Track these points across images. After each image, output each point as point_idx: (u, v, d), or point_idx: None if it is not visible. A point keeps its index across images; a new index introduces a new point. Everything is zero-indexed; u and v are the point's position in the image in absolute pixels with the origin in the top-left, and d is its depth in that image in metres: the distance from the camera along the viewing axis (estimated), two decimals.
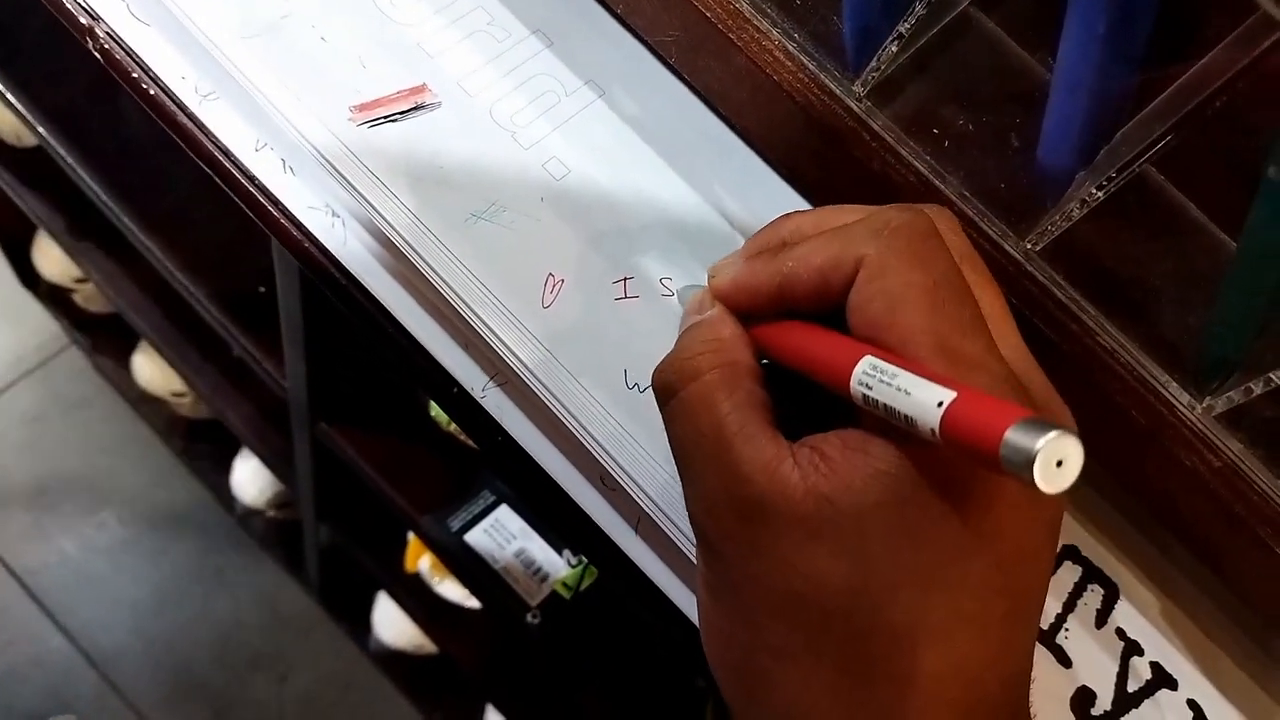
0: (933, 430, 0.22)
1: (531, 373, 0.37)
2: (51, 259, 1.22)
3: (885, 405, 0.23)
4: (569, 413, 0.37)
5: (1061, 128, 0.30)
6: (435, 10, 0.43)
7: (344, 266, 0.42)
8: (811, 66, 0.33)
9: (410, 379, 0.42)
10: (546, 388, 0.37)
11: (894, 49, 0.31)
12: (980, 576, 0.25)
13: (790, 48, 0.33)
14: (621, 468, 0.37)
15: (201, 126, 0.43)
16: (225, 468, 1.24)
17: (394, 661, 1.18)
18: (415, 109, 0.40)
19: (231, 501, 1.29)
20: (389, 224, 0.38)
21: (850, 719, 0.25)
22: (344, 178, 0.38)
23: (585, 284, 0.39)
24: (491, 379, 0.41)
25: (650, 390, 0.39)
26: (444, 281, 0.38)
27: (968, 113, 0.33)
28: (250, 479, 1.20)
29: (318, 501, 0.85)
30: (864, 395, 0.24)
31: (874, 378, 0.24)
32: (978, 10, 0.34)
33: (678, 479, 0.37)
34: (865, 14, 0.32)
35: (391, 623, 1.10)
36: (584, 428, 0.37)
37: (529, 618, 0.66)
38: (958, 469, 0.24)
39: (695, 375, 0.28)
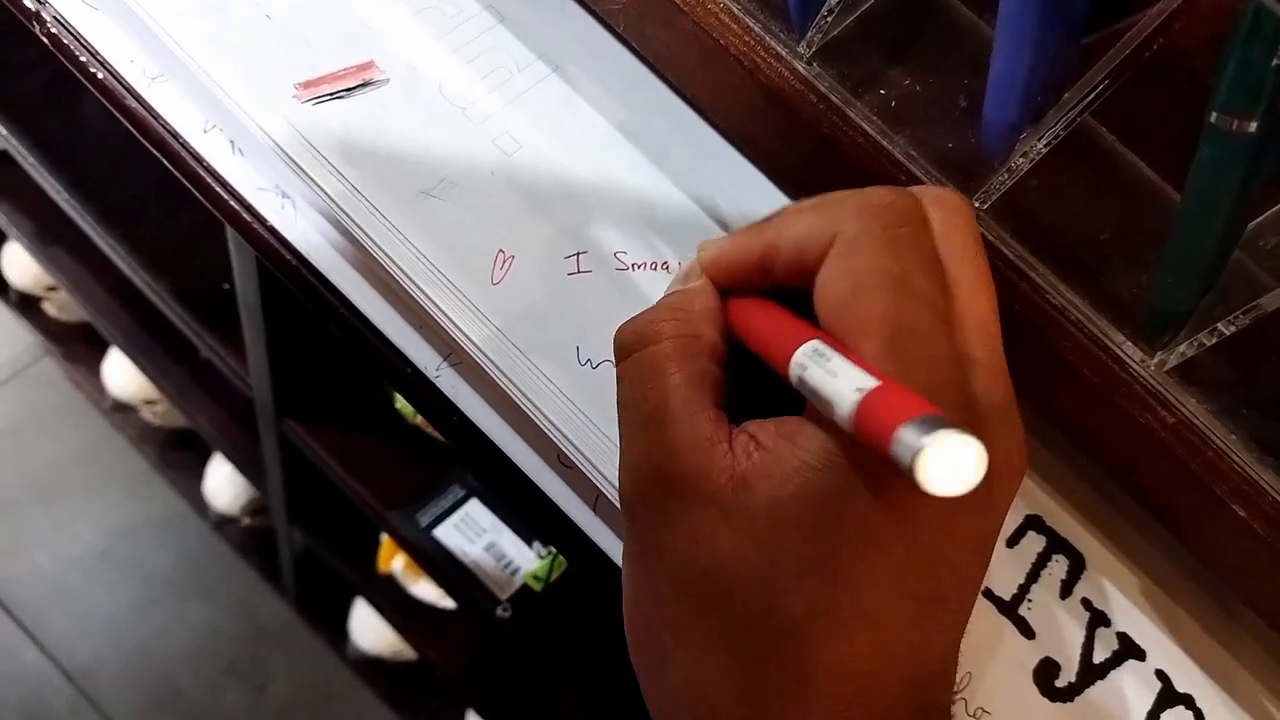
0: (847, 418, 0.21)
1: (482, 351, 0.37)
2: (21, 267, 1.20)
3: (813, 388, 0.23)
4: (520, 391, 0.37)
5: (1004, 85, 0.30)
6: None
7: (294, 248, 0.41)
8: (757, 29, 0.33)
9: (365, 361, 0.41)
10: (497, 366, 0.37)
11: (836, 8, 0.31)
12: (888, 578, 0.24)
13: (735, 10, 0.33)
14: (575, 446, 0.36)
15: (150, 109, 0.42)
16: (199, 476, 1.23)
17: (373, 669, 1.17)
18: (362, 85, 0.40)
19: (206, 510, 1.28)
20: (335, 203, 0.37)
21: (742, 703, 0.25)
22: (289, 157, 0.38)
23: (537, 260, 0.38)
24: (445, 359, 0.41)
25: (603, 366, 0.38)
26: (392, 260, 0.37)
27: (915, 73, 0.33)
28: (224, 486, 1.19)
29: (289, 504, 0.84)
30: (799, 378, 0.23)
31: (812, 360, 0.23)
32: None
33: None
34: None
35: (369, 629, 1.08)
36: (536, 406, 0.36)
37: (499, 611, 0.65)
38: (883, 468, 0.23)
39: (654, 339, 0.28)
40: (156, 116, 0.42)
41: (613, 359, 0.38)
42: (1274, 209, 0.31)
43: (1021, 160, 0.30)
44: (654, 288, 0.39)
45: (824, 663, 0.24)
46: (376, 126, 0.39)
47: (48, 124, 0.72)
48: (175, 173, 0.43)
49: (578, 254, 0.39)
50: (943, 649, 0.26)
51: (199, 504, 1.29)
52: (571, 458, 0.37)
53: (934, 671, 0.26)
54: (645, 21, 0.35)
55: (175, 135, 0.42)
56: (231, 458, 0.93)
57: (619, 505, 0.29)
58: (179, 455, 1.28)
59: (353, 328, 0.41)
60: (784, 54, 0.33)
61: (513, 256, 0.38)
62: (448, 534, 0.66)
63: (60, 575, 1.36)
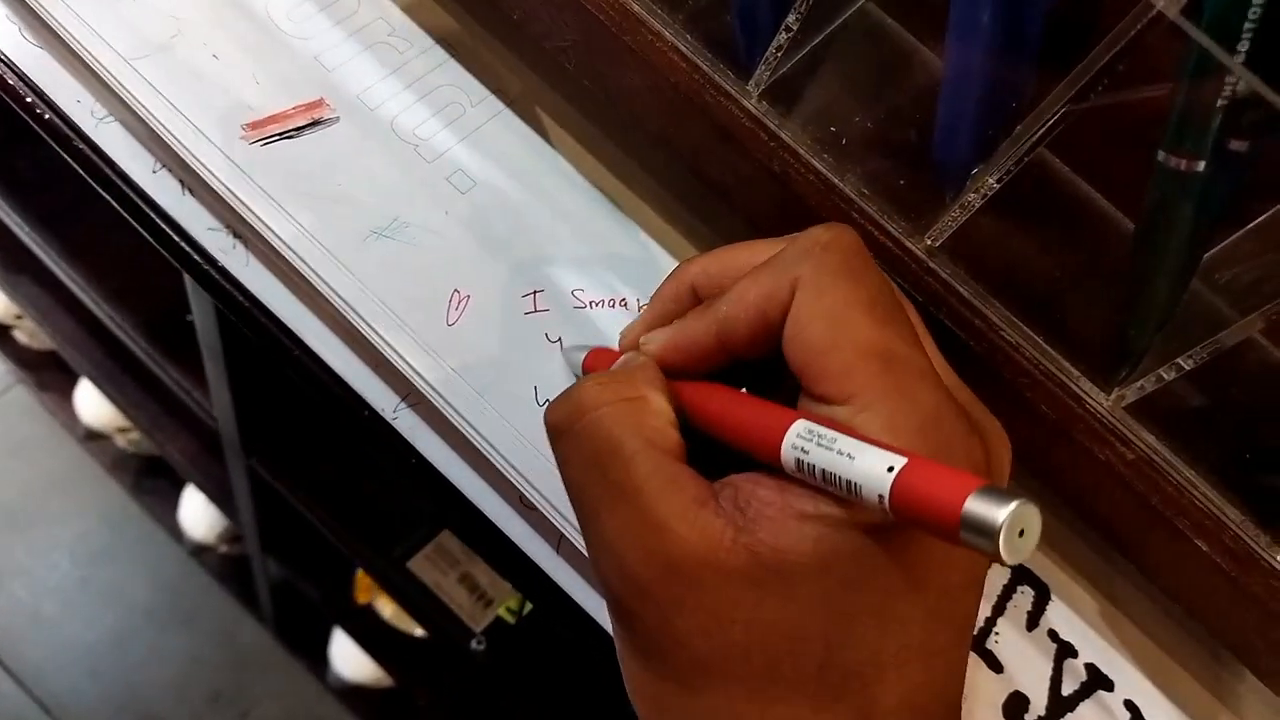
0: (881, 498, 0.21)
1: (439, 394, 0.36)
2: None
3: (823, 471, 0.22)
4: (479, 434, 0.36)
5: (953, 122, 0.30)
6: (334, 22, 0.42)
7: (246, 289, 0.40)
8: (705, 68, 0.32)
9: (321, 403, 0.40)
10: (455, 409, 0.36)
11: (784, 45, 0.31)
12: (928, 609, 0.24)
13: (684, 49, 0.32)
14: (536, 489, 0.36)
15: (98, 150, 0.42)
16: (174, 503, 1.22)
17: (354, 696, 1.16)
18: (312, 125, 0.39)
19: (183, 537, 1.27)
20: (286, 245, 0.37)
21: None
22: (238, 199, 0.37)
23: (493, 299, 0.38)
24: (403, 400, 0.40)
25: None
26: (345, 302, 0.37)
27: (865, 109, 0.33)
28: (199, 515, 1.18)
29: (262, 535, 0.83)
30: (798, 460, 0.23)
31: (810, 441, 0.22)
32: (871, 3, 0.33)
33: None
34: (753, 11, 0.31)
35: (349, 657, 1.07)
36: (495, 449, 0.36)
37: (474, 644, 0.64)
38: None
39: (594, 406, 0.25)
40: (105, 158, 0.42)
41: None
42: (1229, 240, 0.31)
43: (974, 196, 0.29)
44: (612, 325, 0.39)
45: (884, 703, 0.24)
46: (327, 166, 0.38)
47: (6, 158, 0.71)
48: (124, 215, 0.42)
49: (534, 292, 0.39)
50: (965, 667, 0.26)
51: (176, 531, 1.28)
52: (533, 500, 0.36)
53: (960, 692, 0.26)
54: (594, 60, 0.35)
55: (125, 177, 0.41)
56: (203, 488, 0.92)
57: (606, 601, 0.26)
58: (154, 483, 1.27)
59: (308, 370, 0.41)
60: (733, 92, 0.32)
61: (468, 296, 0.38)
62: (421, 566, 0.65)
63: (36, 605, 1.35)
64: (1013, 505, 0.19)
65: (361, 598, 0.86)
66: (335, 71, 0.40)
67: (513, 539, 0.39)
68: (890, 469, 0.21)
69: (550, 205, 0.40)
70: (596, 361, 0.33)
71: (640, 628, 0.25)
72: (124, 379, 0.89)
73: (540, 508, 0.36)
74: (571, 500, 0.26)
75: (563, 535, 0.37)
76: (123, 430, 1.19)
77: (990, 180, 0.29)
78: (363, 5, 0.42)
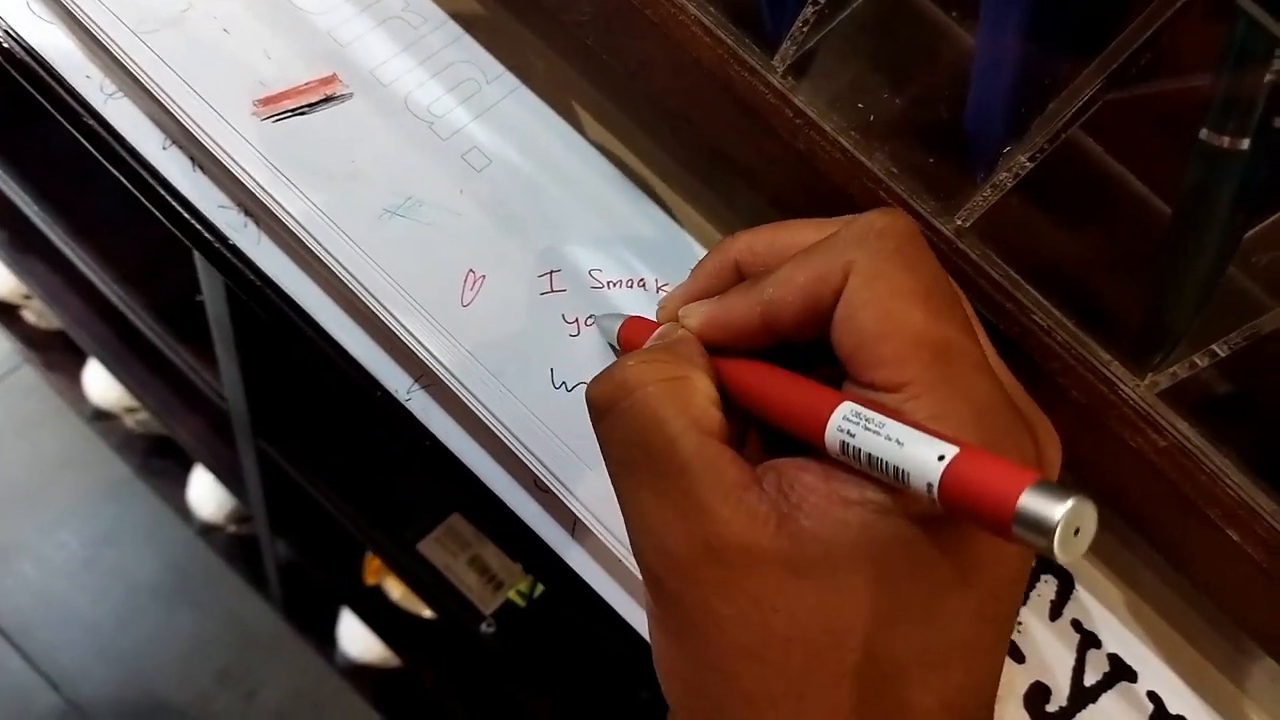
0: (929, 486, 0.20)
1: (453, 375, 0.35)
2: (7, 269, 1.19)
3: (869, 455, 0.22)
4: (494, 417, 0.35)
5: (986, 99, 0.29)
6: None
7: (258, 267, 0.40)
8: (730, 41, 0.32)
9: (333, 384, 0.40)
10: (469, 391, 0.35)
11: (811, 19, 0.30)
12: (975, 605, 0.23)
13: (707, 22, 0.32)
14: (551, 472, 0.35)
15: (107, 126, 0.41)
16: (183, 483, 1.22)
17: (362, 676, 1.16)
18: (325, 100, 0.38)
19: (191, 517, 1.27)
20: (298, 223, 0.36)
21: None
22: (250, 175, 0.36)
23: (508, 279, 0.37)
24: (416, 381, 0.39)
25: (579, 389, 0.37)
26: (358, 282, 0.36)
27: (893, 85, 0.32)
28: (208, 495, 1.18)
29: (271, 516, 0.83)
30: (843, 443, 0.22)
31: (856, 424, 0.22)
32: None
33: (607, 479, 0.36)
34: None
35: (356, 637, 1.07)
36: (511, 432, 0.35)
37: (484, 627, 0.64)
38: (931, 507, 0.22)
39: (638, 385, 0.25)
40: (114, 134, 0.41)
41: (586, 382, 0.37)
42: (1267, 221, 0.30)
43: (1005, 176, 0.29)
44: (631, 305, 0.38)
45: (923, 703, 0.23)
46: (340, 144, 0.38)
47: (15, 137, 0.70)
48: (134, 191, 0.41)
49: (550, 272, 0.38)
50: (999, 674, 0.26)
51: (183, 511, 1.28)
52: (548, 483, 0.36)
53: (995, 691, 0.25)
54: (614, 34, 0.34)
55: (134, 153, 0.41)
56: (212, 468, 0.92)
57: (644, 579, 0.26)
58: (162, 463, 1.27)
59: (320, 350, 0.40)
60: (758, 67, 0.31)
61: (483, 276, 0.37)
62: (431, 549, 0.65)
63: (44, 584, 1.35)
64: (1070, 502, 0.18)
65: (371, 579, 0.86)
66: (348, 47, 0.39)
67: (527, 522, 0.38)
68: (941, 458, 0.20)
69: (567, 183, 0.39)
70: (632, 332, 0.32)
71: (678, 609, 0.24)
72: (132, 360, 0.89)
73: (555, 491, 0.35)
74: (612, 478, 0.26)
75: (577, 519, 0.36)
76: (130, 410, 1.19)
77: (1023, 159, 0.28)
78: None
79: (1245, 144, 0.24)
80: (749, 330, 0.26)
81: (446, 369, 0.36)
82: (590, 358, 0.37)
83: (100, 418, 1.27)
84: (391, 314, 0.36)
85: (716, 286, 0.28)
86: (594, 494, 0.35)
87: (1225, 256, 0.27)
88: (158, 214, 0.41)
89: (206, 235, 0.40)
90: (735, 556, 0.23)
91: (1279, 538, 0.30)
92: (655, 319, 0.32)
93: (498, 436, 0.36)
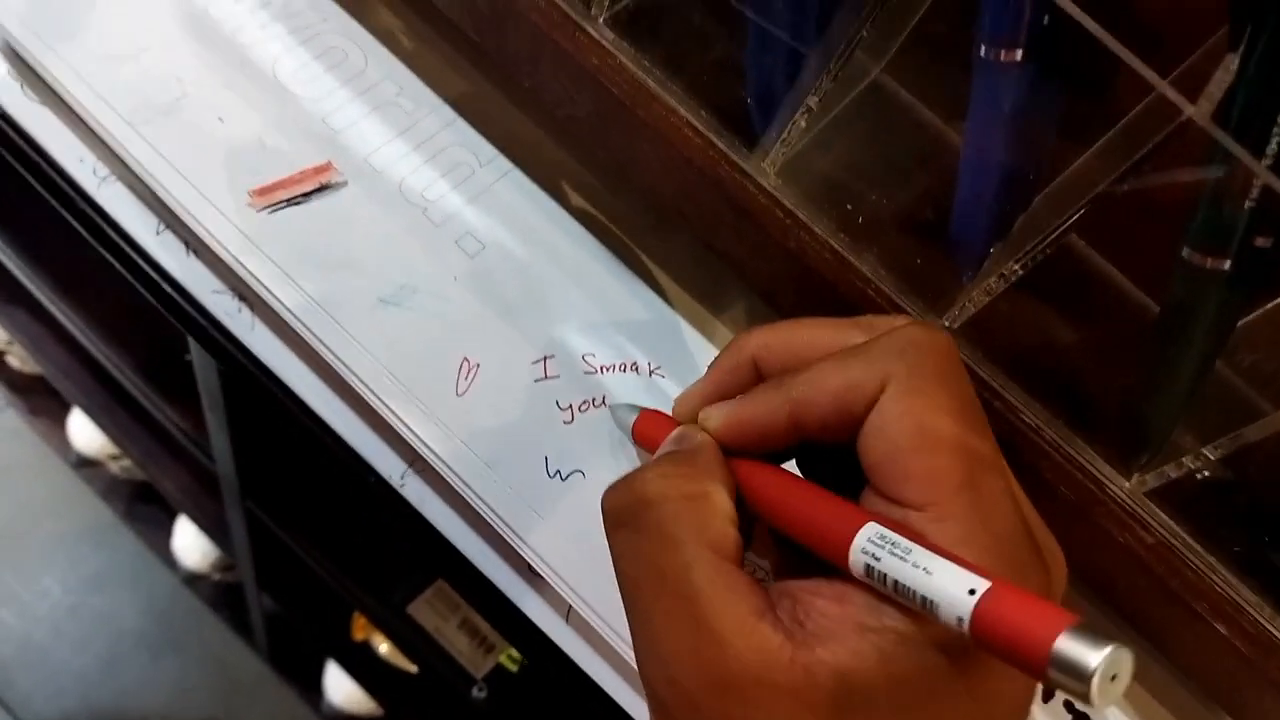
0: (959, 619, 0.20)
1: (448, 466, 0.36)
2: None
3: (896, 582, 0.21)
4: (489, 507, 0.36)
5: (971, 201, 0.30)
6: (341, 82, 0.41)
7: (251, 353, 0.40)
8: (720, 144, 0.32)
9: (326, 467, 0.40)
10: (464, 482, 0.36)
11: (802, 124, 0.31)
12: None
13: (698, 125, 0.32)
14: (545, 562, 0.35)
15: (100, 210, 0.41)
16: (168, 529, 1.21)
17: None
18: (319, 190, 0.38)
19: (176, 564, 1.26)
20: (293, 314, 0.36)
21: None
22: (245, 266, 0.37)
23: (502, 367, 0.38)
24: (410, 466, 0.39)
25: (573, 478, 0.37)
26: (353, 374, 0.36)
27: (881, 186, 0.32)
28: (192, 544, 1.17)
29: (257, 571, 0.82)
30: (868, 566, 0.22)
31: (882, 548, 0.22)
32: (888, 78, 0.33)
33: (604, 570, 0.36)
34: (769, 87, 0.31)
35: (343, 688, 1.06)
36: (505, 523, 0.35)
37: (475, 691, 0.64)
38: (948, 634, 0.22)
39: (656, 502, 0.25)
40: (107, 218, 0.41)
41: (582, 470, 0.38)
42: (1253, 316, 0.31)
43: (995, 280, 0.29)
44: (625, 390, 0.38)
45: None
46: (334, 233, 0.38)
47: (1, 195, 0.70)
48: (127, 276, 0.41)
49: (544, 358, 0.38)
50: None
51: (168, 557, 1.27)
52: (542, 572, 0.36)
53: None
54: (609, 130, 0.34)
55: (126, 237, 0.41)
56: (197, 521, 0.91)
57: (648, 702, 0.25)
58: (147, 509, 1.26)
59: (312, 434, 0.40)
60: (747, 168, 0.32)
61: (477, 365, 0.37)
62: (421, 611, 0.65)
63: (27, 631, 1.33)
64: (1108, 650, 0.18)
65: (359, 634, 0.86)
66: (343, 133, 0.40)
67: (522, 609, 0.38)
68: (972, 591, 0.20)
69: (560, 267, 0.40)
70: (648, 428, 0.32)
71: None
72: (117, 410, 0.89)
73: (549, 579, 0.36)
74: (623, 593, 0.25)
75: (570, 607, 0.36)
76: (115, 457, 1.18)
77: (1013, 265, 0.28)
78: (370, 64, 0.41)
79: (1226, 265, 0.25)
80: (774, 430, 0.26)
81: (442, 460, 0.36)
82: (584, 445, 0.37)
83: (84, 464, 1.26)
84: (386, 405, 0.36)
85: (733, 384, 0.28)
86: (589, 584, 0.35)
87: (1209, 364, 0.28)
88: (150, 299, 0.41)
89: (200, 321, 0.40)
90: (748, 690, 0.22)
91: (1265, 632, 0.30)
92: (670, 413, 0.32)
93: (491, 524, 0.36)
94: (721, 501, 0.25)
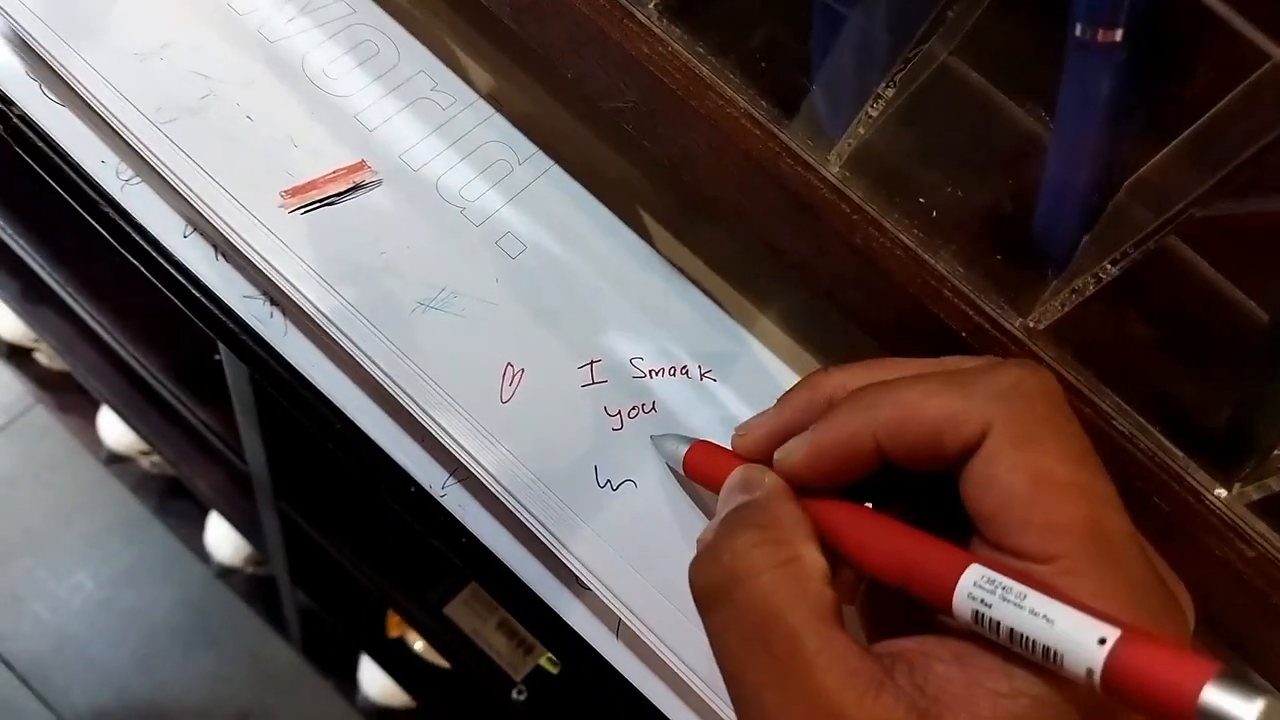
0: (1089, 671, 0.19)
1: (492, 476, 0.34)
2: (10, 320, 1.17)
3: (1011, 630, 0.20)
4: (535, 519, 0.34)
5: (1060, 197, 0.27)
6: (373, 78, 0.39)
7: (285, 360, 0.38)
8: (782, 135, 0.30)
9: (363, 477, 0.38)
10: (510, 492, 0.34)
11: (872, 113, 0.28)
12: None
13: (757, 115, 0.30)
14: (595, 576, 0.34)
15: (125, 214, 0.40)
16: (200, 523, 1.20)
17: (385, 717, 1.14)
18: (353, 189, 0.37)
19: (209, 558, 1.25)
20: (329, 319, 0.35)
21: None
22: (278, 270, 0.35)
23: (548, 372, 0.36)
24: (452, 474, 0.38)
25: (624, 487, 0.35)
26: (392, 382, 0.34)
27: (956, 177, 0.30)
28: (225, 538, 1.16)
29: (291, 570, 0.81)
30: (977, 613, 0.20)
31: (992, 594, 0.20)
32: (958, 60, 0.31)
33: (657, 583, 0.34)
34: (836, 74, 0.29)
35: (378, 682, 1.06)
36: (551, 534, 0.34)
37: (515, 694, 0.62)
38: (1090, 696, 0.20)
39: (749, 575, 0.23)
40: (132, 222, 0.39)
41: (633, 479, 0.36)
42: None
43: (1086, 280, 0.27)
44: (672, 395, 0.36)
45: None
46: (371, 234, 0.36)
47: (23, 189, 0.69)
48: (155, 281, 0.40)
49: (591, 363, 0.36)
50: None
51: (200, 551, 1.27)
52: (592, 586, 0.34)
53: None
54: (657, 123, 0.32)
55: (153, 241, 0.39)
56: (229, 518, 0.90)
57: None
58: (179, 503, 1.26)
59: (349, 443, 0.38)
60: (811, 161, 0.30)
61: (522, 370, 0.36)
62: (458, 612, 0.63)
63: (61, 627, 1.34)
64: (1261, 702, 0.16)
65: (394, 632, 0.85)
66: (376, 131, 0.38)
67: (569, 623, 0.37)
68: (1102, 640, 0.18)
69: (604, 267, 0.38)
70: (703, 463, 0.30)
71: None
72: (148, 409, 0.88)
73: (599, 593, 0.34)
74: (727, 673, 0.24)
75: (621, 620, 0.35)
76: (146, 452, 1.17)
77: (1109, 266, 0.26)
78: (403, 59, 0.39)
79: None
80: (857, 456, 0.24)
81: (487, 471, 0.34)
82: (635, 453, 0.35)
83: (115, 460, 1.26)
84: (428, 414, 0.34)
85: (804, 422, 0.26)
86: (640, 596, 0.34)
87: None
88: (179, 304, 0.40)
89: (231, 326, 0.39)
90: None
91: None
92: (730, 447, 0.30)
93: (539, 539, 0.34)
94: (814, 561, 0.23)
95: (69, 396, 1.25)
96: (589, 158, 0.39)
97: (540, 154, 0.39)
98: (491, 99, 0.40)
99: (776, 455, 0.26)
